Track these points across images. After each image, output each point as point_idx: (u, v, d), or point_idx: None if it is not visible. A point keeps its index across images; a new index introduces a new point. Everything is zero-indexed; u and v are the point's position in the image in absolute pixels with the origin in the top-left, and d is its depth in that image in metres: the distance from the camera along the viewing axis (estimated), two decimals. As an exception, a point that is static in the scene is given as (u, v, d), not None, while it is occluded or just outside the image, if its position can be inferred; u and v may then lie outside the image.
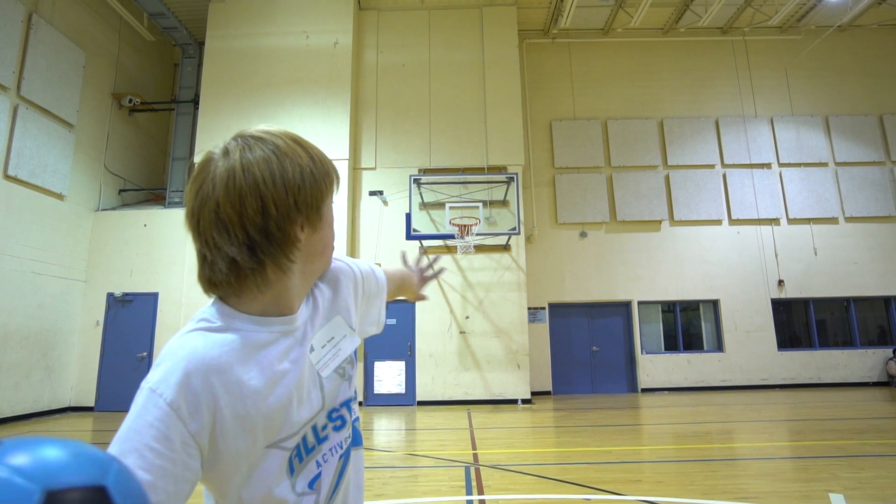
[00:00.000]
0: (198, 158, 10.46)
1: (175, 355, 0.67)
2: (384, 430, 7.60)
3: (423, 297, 1.29)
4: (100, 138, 10.56)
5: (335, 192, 0.78)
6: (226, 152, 0.71)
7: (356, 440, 0.86)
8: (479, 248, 10.31)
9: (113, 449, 0.63)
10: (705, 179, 12.37)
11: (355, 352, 0.87)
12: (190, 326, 0.72)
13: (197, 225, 0.69)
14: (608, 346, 11.78)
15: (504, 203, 10.58)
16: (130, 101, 11.07)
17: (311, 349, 0.79)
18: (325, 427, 0.78)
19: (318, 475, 0.76)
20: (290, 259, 0.72)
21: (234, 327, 0.72)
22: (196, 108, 11.49)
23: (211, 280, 0.71)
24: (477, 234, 9.55)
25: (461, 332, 10.12)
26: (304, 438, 0.75)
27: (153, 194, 11.77)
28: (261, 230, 0.68)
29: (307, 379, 0.77)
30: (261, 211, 0.68)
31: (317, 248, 0.77)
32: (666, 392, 11.32)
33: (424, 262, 1.28)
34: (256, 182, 0.68)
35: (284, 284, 0.73)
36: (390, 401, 9.96)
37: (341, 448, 0.81)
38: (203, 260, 0.71)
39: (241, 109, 10.54)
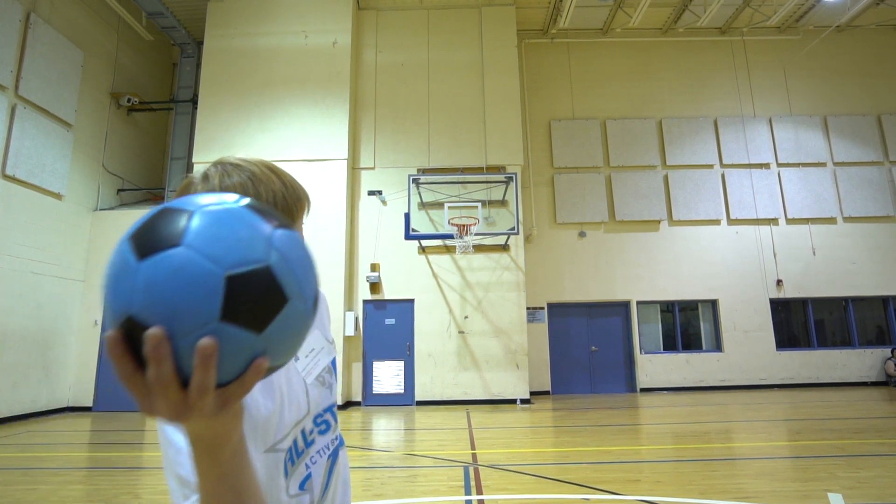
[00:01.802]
0: (196, 158, 10.45)
1: None
2: (383, 430, 7.60)
3: None
4: (98, 138, 10.55)
5: (306, 215, 0.84)
6: (205, 177, 0.76)
7: (340, 441, 0.92)
8: (478, 248, 10.31)
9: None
10: (704, 179, 12.38)
11: (333, 361, 0.94)
12: None
13: None
14: (607, 346, 11.79)
15: (503, 203, 10.58)
16: (129, 100, 11.06)
17: (297, 358, 0.84)
18: (311, 431, 0.84)
19: (309, 476, 0.81)
20: None
21: None
22: (195, 108, 11.47)
23: None
24: (476, 234, 9.55)
25: (460, 332, 10.12)
26: (295, 442, 0.80)
27: (152, 194, 11.75)
28: None
29: (294, 384, 0.82)
30: None
31: None
32: (665, 392, 11.33)
33: None
34: None
35: None
36: (389, 401, 9.96)
37: (328, 450, 0.86)
38: None
39: (239, 109, 10.53)
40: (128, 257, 0.42)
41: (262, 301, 0.43)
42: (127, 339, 0.41)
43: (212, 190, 0.74)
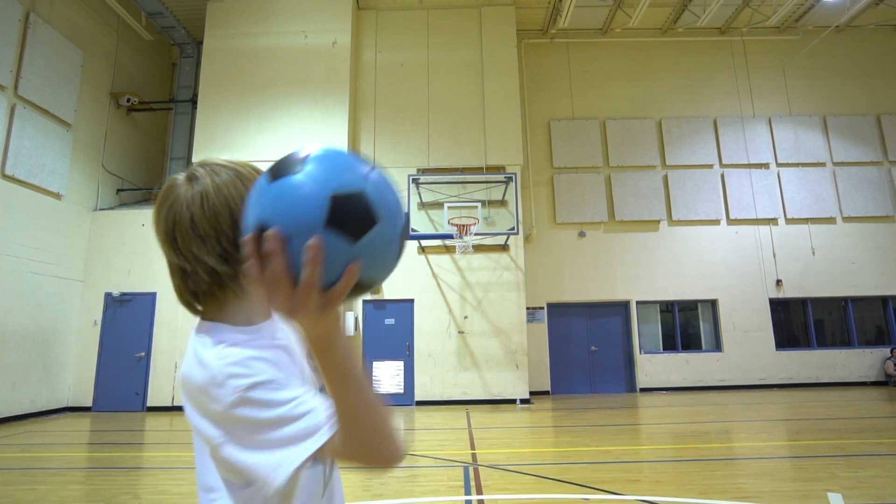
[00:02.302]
0: (196, 158, 10.48)
1: (227, 359, 0.71)
2: (383, 429, 7.59)
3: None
4: (98, 138, 10.54)
5: None
6: (193, 177, 0.78)
7: None
8: (478, 248, 10.31)
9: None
10: (703, 179, 12.39)
11: None
12: (205, 345, 0.74)
13: (174, 241, 0.76)
14: (607, 346, 11.79)
15: (503, 203, 10.58)
16: (128, 100, 11.05)
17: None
18: None
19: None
20: None
21: (236, 340, 0.76)
22: (194, 108, 11.47)
23: (195, 292, 0.77)
24: (475, 234, 9.55)
25: (460, 332, 10.12)
26: None
27: (151, 194, 11.74)
28: (232, 242, 0.75)
29: (305, 369, 0.87)
30: (232, 225, 0.76)
31: None
32: (664, 392, 11.34)
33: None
34: (228, 201, 0.76)
35: (247, 295, 0.80)
36: (389, 401, 9.94)
37: None
38: (183, 274, 0.76)
39: (239, 109, 10.53)
40: (263, 181, 0.58)
41: (357, 217, 0.56)
42: (258, 241, 0.55)
43: (203, 189, 0.76)
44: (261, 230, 0.55)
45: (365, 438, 0.63)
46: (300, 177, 0.56)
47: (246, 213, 0.59)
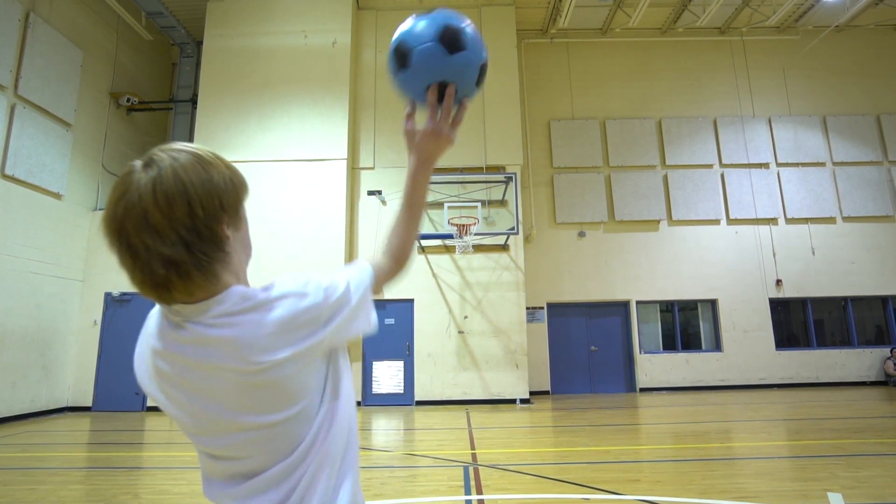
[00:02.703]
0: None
1: (289, 281, 0.82)
2: (382, 430, 7.60)
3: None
4: (97, 137, 10.54)
5: (247, 199, 0.88)
6: (151, 162, 0.75)
7: None
8: (478, 248, 10.31)
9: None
10: (703, 179, 12.39)
11: None
12: (254, 298, 0.78)
13: (121, 229, 0.73)
14: (606, 346, 11.79)
15: (502, 203, 10.58)
16: (128, 100, 11.04)
17: None
18: None
19: None
20: (224, 251, 0.79)
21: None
22: (194, 108, 11.46)
23: (153, 282, 0.75)
24: (475, 234, 9.55)
25: (460, 332, 10.11)
26: None
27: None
28: (191, 229, 0.74)
29: None
30: (188, 213, 0.73)
31: (243, 244, 0.86)
32: (664, 392, 11.34)
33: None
34: (185, 186, 0.74)
35: (231, 271, 0.81)
36: (389, 401, 9.95)
37: None
38: (132, 264, 0.74)
39: (239, 109, 10.52)
40: (441, 51, 0.92)
41: (483, 78, 0.99)
42: (437, 91, 0.94)
43: (158, 174, 0.73)
44: (441, 85, 0.93)
45: (415, 234, 1.04)
46: (468, 53, 0.93)
47: (423, 72, 0.93)
